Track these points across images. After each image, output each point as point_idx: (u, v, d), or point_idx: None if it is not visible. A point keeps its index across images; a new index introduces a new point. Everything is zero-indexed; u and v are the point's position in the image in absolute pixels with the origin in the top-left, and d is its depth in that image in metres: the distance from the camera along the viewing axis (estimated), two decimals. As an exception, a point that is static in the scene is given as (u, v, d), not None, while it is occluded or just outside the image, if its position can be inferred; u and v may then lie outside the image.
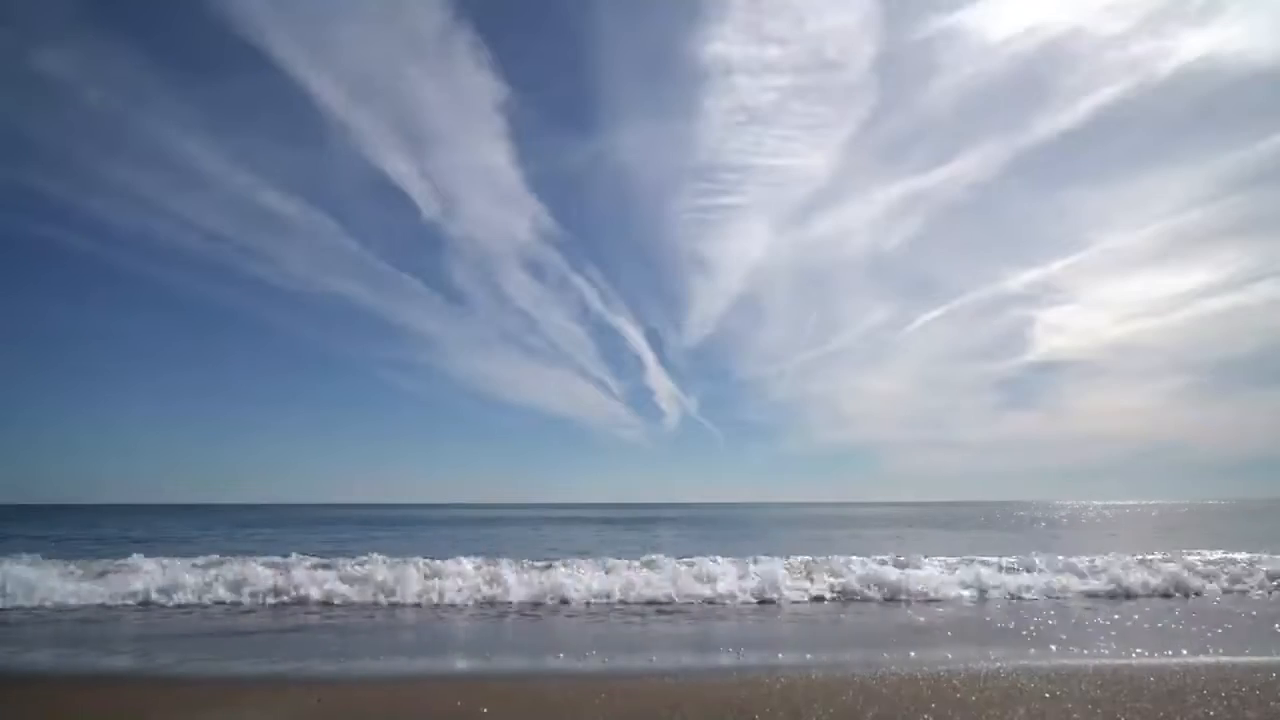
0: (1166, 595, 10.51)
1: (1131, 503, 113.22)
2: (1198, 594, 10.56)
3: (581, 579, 10.55)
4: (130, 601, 9.79)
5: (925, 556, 12.99)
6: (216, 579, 10.35)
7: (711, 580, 10.57)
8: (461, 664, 6.41)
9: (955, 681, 5.20)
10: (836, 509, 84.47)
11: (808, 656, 6.39)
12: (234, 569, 10.76)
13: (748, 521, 43.32)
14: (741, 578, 10.72)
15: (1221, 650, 6.57)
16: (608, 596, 10.05)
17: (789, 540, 23.66)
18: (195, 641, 7.60)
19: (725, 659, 6.52)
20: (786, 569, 11.16)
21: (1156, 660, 6.06)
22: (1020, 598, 10.29)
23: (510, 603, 9.85)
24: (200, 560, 11.87)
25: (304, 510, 79.72)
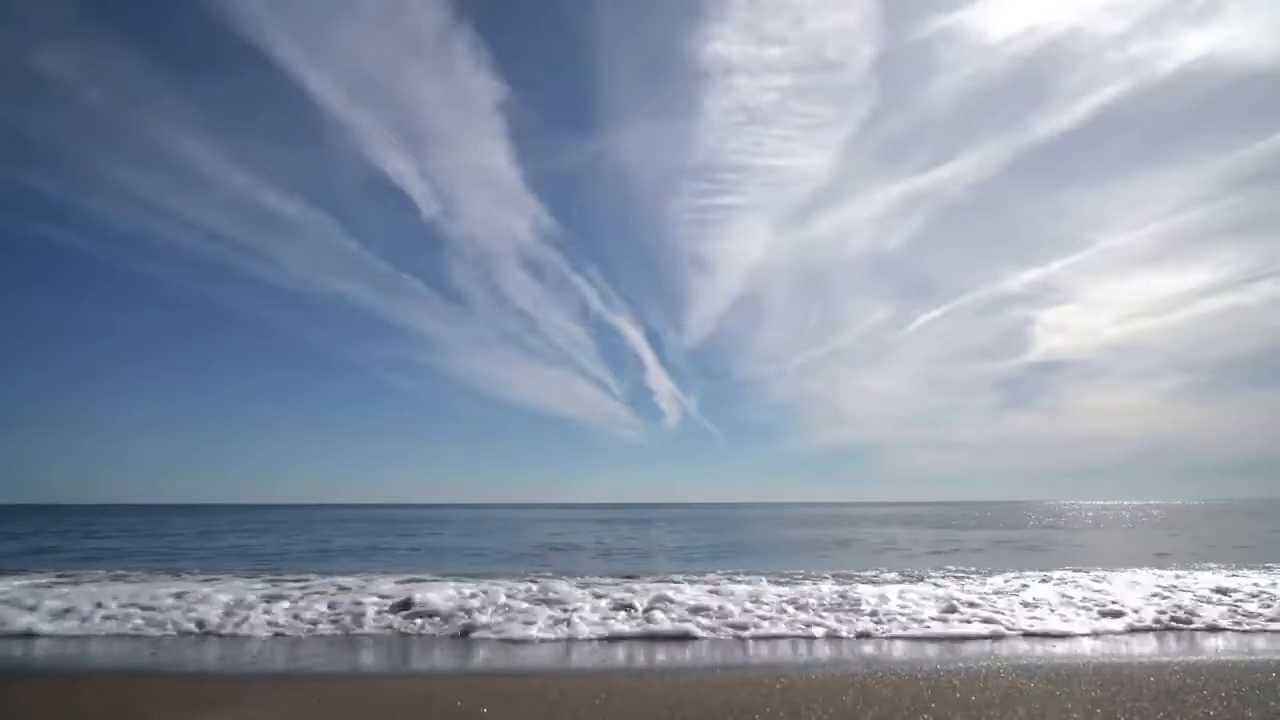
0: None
1: (1132, 503, 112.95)
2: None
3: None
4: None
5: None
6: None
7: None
8: (461, 664, 6.41)
9: (955, 681, 5.20)
10: (847, 509, 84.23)
11: (808, 656, 6.40)
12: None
13: (761, 521, 43.29)
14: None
15: (1221, 650, 6.59)
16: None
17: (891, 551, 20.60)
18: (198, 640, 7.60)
19: (725, 659, 6.52)
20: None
21: (1156, 660, 6.06)
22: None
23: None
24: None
25: (304, 511, 79.64)
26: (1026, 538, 25.07)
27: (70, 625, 7.96)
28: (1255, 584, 10.48)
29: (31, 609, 8.41)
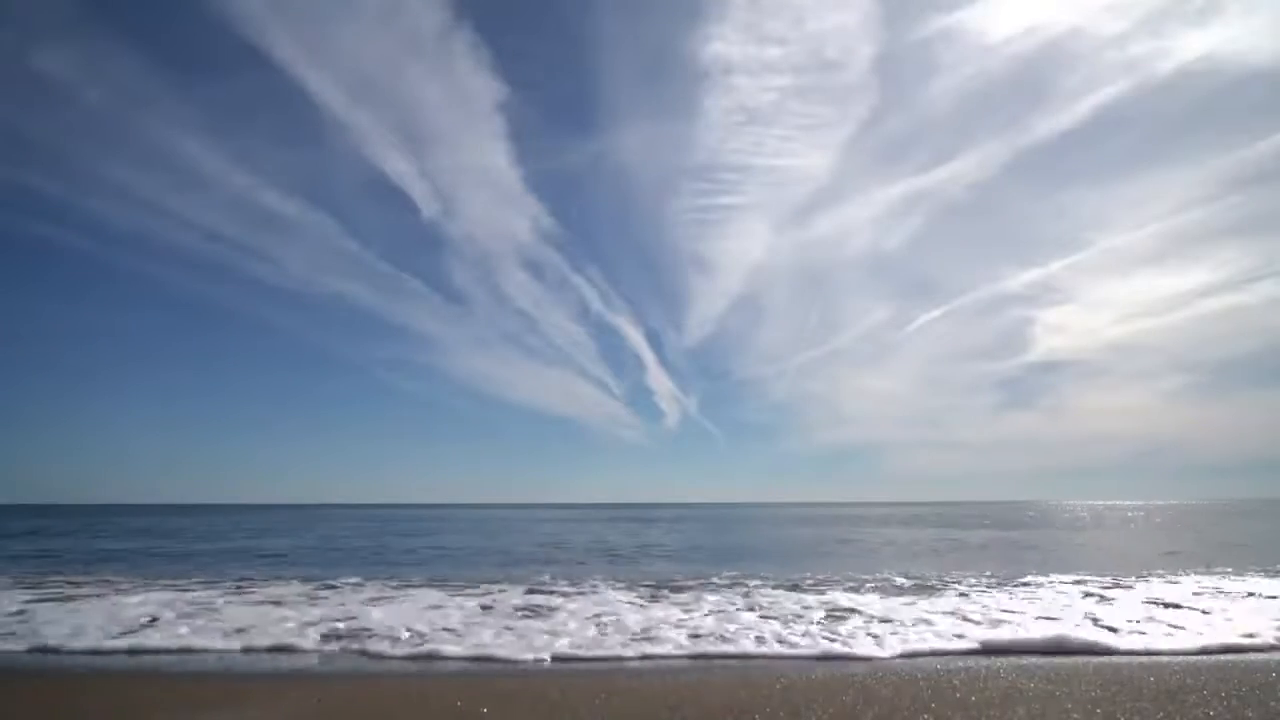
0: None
1: (1134, 503, 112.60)
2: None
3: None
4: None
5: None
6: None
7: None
8: (461, 664, 6.41)
9: (955, 681, 5.20)
10: (851, 509, 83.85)
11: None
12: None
13: (767, 522, 43.26)
14: None
15: (1221, 650, 6.57)
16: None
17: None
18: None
19: (725, 659, 6.51)
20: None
21: (1156, 660, 6.06)
22: None
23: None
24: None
25: (303, 511, 79.60)
26: (1094, 540, 24.93)
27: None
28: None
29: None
